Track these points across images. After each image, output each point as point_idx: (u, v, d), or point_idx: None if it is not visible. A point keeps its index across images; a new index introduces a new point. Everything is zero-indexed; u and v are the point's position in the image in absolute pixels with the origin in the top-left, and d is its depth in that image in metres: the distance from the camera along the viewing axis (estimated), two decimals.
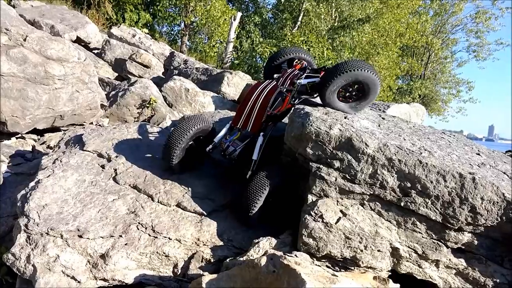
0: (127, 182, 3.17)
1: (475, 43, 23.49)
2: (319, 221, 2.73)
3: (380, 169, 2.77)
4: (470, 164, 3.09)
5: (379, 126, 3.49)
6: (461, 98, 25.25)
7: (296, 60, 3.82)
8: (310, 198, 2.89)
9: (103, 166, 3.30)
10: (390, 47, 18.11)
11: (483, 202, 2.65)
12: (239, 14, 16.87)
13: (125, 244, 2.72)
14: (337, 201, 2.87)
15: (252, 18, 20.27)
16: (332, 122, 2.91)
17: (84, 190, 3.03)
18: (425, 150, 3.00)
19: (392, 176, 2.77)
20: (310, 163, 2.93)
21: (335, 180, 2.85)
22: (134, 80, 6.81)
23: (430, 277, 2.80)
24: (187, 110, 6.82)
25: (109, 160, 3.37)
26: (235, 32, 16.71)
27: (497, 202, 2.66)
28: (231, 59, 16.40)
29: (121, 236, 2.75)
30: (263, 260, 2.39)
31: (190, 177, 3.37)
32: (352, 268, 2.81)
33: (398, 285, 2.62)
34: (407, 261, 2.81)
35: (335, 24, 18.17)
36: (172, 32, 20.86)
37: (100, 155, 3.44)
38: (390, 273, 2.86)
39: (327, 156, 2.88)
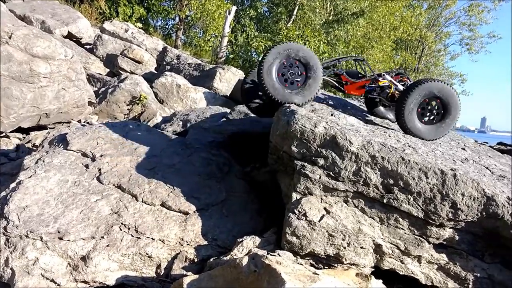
0: (111, 181, 3.15)
1: (467, 36, 23.58)
2: (302, 219, 2.73)
3: (364, 166, 2.77)
4: (454, 160, 3.09)
5: (365, 122, 3.48)
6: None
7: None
8: (295, 196, 2.88)
9: (87, 166, 3.27)
10: (384, 40, 18.04)
11: (463, 198, 2.65)
12: (234, 8, 16.75)
13: (107, 246, 2.71)
14: (321, 198, 2.86)
15: (248, 12, 20.12)
16: (318, 120, 2.89)
17: (67, 190, 3.00)
18: (409, 146, 2.99)
19: (375, 173, 2.76)
20: (295, 161, 2.91)
21: (319, 177, 2.84)
22: (124, 77, 6.75)
23: (413, 273, 2.81)
24: (178, 106, 6.78)
25: (93, 159, 3.35)
26: (230, 26, 16.59)
27: (477, 198, 2.66)
28: (226, 53, 16.30)
29: (103, 237, 2.74)
30: (245, 260, 2.39)
31: (176, 176, 3.35)
32: (336, 265, 2.81)
33: (381, 281, 2.62)
34: (390, 257, 2.81)
35: (330, 18, 18.07)
36: (167, 27, 20.70)
37: (84, 155, 3.41)
38: (373, 269, 2.87)
39: (312, 154, 2.87)
